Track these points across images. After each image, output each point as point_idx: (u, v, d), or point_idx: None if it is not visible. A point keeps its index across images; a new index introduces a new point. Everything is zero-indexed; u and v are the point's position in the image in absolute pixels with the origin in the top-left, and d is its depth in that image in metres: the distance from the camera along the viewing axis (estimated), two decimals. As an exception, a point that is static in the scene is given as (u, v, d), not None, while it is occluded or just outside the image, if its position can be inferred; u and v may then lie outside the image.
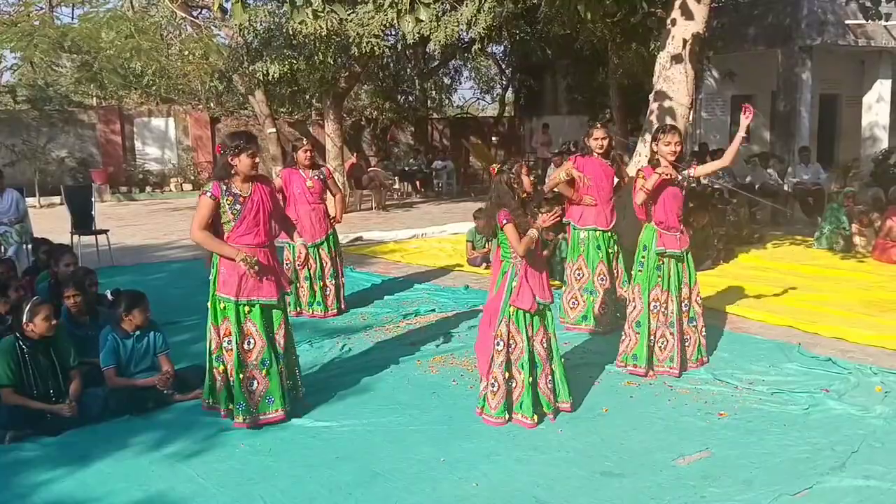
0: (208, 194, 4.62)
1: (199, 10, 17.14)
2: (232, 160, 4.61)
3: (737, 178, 13.05)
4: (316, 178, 7.30)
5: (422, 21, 5.83)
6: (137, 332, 5.09)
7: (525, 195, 4.59)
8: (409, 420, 4.75)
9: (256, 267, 4.54)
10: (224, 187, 4.62)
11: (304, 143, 7.47)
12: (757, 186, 13.03)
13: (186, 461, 4.26)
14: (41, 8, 13.01)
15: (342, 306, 7.43)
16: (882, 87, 16.15)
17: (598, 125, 6.56)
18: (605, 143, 6.41)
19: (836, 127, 17.23)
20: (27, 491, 3.97)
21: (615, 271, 6.64)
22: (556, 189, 6.76)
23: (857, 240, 10.22)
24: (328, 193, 7.48)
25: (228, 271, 4.61)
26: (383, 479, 4.01)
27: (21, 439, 4.53)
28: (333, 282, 7.33)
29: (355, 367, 5.78)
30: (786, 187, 13.27)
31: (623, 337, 5.62)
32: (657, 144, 5.41)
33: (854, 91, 16.62)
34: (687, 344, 5.55)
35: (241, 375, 4.62)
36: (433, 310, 7.42)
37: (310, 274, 7.24)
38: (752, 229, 11.44)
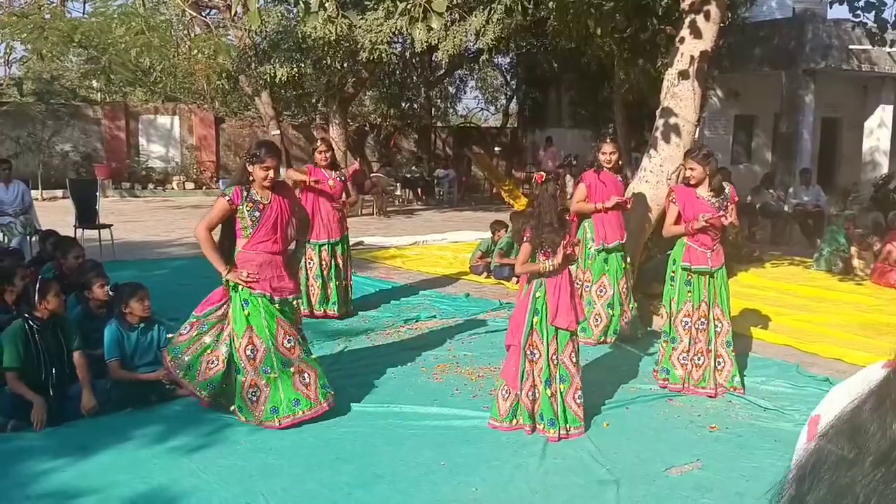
0: (227, 198, 4.61)
1: (209, 10, 17.26)
2: (249, 167, 4.65)
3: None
4: (338, 178, 7.32)
5: (433, 29, 5.89)
6: (142, 326, 5.12)
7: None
8: (409, 424, 4.79)
9: (249, 278, 4.58)
10: (245, 193, 4.63)
11: (319, 144, 7.46)
12: (758, 207, 13.11)
13: (188, 455, 4.28)
14: (52, 2, 13.09)
15: (349, 308, 7.44)
16: (884, 112, 16.27)
17: (608, 139, 6.44)
18: (614, 157, 6.39)
19: (836, 150, 17.33)
20: (28, 480, 3.98)
21: (623, 289, 6.57)
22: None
23: (856, 262, 10.28)
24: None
25: (257, 270, 4.63)
26: (383, 480, 4.04)
27: (22, 428, 4.55)
28: (343, 283, 7.34)
29: (356, 369, 5.81)
30: (786, 208, 13.35)
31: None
32: (687, 166, 5.42)
33: (856, 115, 16.73)
34: (721, 366, 5.41)
35: (288, 371, 4.64)
36: (434, 316, 7.46)
37: (321, 273, 7.21)
38: (752, 248, 11.50)
